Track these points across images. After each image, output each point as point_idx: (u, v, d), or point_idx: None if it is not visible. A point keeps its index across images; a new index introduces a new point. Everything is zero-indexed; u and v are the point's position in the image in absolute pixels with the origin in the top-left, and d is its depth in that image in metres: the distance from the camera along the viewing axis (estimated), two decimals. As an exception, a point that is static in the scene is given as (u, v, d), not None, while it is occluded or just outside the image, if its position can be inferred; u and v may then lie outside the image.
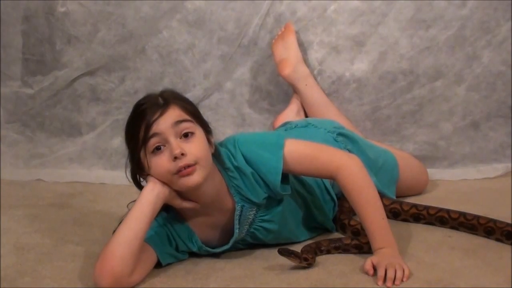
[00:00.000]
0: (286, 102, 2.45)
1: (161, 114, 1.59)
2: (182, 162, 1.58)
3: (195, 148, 1.61)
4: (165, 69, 2.50)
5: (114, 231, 1.62)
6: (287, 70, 2.39)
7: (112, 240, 1.58)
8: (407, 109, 2.44)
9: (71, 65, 2.52)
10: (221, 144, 1.72)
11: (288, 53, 2.39)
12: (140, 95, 2.45)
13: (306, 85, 2.39)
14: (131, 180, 1.67)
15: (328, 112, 2.36)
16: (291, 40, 2.40)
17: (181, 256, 1.72)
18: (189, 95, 2.46)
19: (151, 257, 1.65)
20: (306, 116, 2.40)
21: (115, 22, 2.47)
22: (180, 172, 1.59)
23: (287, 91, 2.47)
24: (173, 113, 1.61)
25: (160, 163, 1.60)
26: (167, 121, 1.59)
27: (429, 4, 2.41)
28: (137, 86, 2.51)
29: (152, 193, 1.61)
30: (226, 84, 2.51)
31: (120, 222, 1.62)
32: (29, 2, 2.52)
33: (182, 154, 1.58)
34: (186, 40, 2.48)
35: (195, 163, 1.60)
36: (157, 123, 1.59)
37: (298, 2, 2.44)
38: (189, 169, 1.59)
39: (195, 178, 1.60)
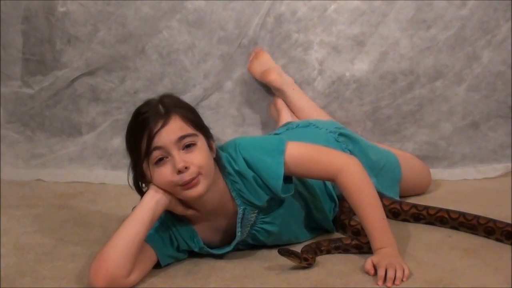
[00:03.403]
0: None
1: (163, 125, 1.59)
2: (186, 176, 1.58)
3: (198, 158, 1.60)
4: (165, 69, 2.50)
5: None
6: (273, 75, 2.41)
7: (109, 242, 1.58)
8: (407, 109, 2.44)
9: (71, 65, 2.52)
10: (221, 148, 1.72)
11: (267, 65, 2.43)
12: (140, 95, 2.49)
13: (293, 89, 2.41)
14: (133, 187, 1.68)
15: (317, 116, 2.36)
16: (266, 57, 2.45)
17: (181, 256, 1.73)
18: (189, 95, 2.48)
19: (151, 257, 1.65)
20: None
21: (115, 22, 2.47)
22: (184, 185, 1.60)
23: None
24: (175, 125, 1.60)
25: (163, 174, 1.60)
26: (170, 135, 1.59)
27: (429, 4, 2.41)
28: (137, 86, 2.51)
29: (153, 200, 1.62)
30: (226, 84, 2.51)
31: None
32: (29, 2, 2.52)
33: (186, 168, 1.58)
34: (186, 40, 2.47)
35: (198, 174, 1.60)
36: (160, 135, 1.58)
37: (298, 2, 2.44)
38: (193, 182, 1.59)
39: (198, 189, 1.60)
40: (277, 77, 2.40)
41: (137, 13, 2.46)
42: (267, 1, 2.44)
